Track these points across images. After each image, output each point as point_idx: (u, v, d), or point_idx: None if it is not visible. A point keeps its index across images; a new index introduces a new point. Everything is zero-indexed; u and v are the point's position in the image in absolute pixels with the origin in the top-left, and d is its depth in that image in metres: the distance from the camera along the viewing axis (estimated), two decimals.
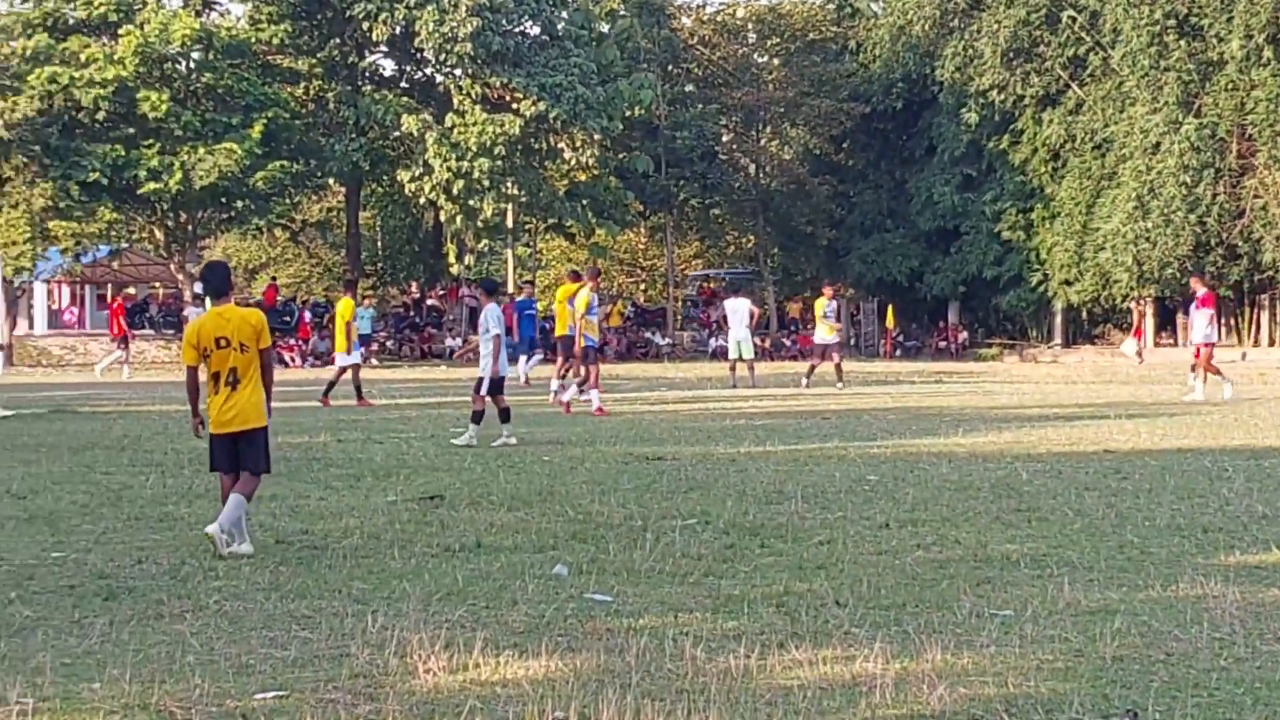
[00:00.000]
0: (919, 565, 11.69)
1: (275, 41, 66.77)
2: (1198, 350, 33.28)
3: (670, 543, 12.66)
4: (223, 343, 12.54)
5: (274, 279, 77.28)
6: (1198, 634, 9.29)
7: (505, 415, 22.52)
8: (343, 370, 32.84)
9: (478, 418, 22.45)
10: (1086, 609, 10.09)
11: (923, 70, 75.43)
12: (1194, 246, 63.53)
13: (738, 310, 40.95)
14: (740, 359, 40.51)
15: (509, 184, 65.77)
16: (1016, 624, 9.60)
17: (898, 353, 75.36)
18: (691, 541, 12.74)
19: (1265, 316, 67.64)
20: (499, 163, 63.66)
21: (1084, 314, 73.15)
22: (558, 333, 35.46)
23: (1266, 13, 61.02)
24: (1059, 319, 74.30)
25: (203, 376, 12.98)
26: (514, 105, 64.78)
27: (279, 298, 73.94)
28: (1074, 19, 69.26)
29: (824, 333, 40.58)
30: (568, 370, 33.78)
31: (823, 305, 40.85)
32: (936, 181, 74.47)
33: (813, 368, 40.86)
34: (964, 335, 77.80)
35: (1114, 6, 66.52)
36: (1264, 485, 16.60)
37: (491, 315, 22.82)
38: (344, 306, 32.92)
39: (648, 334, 75.93)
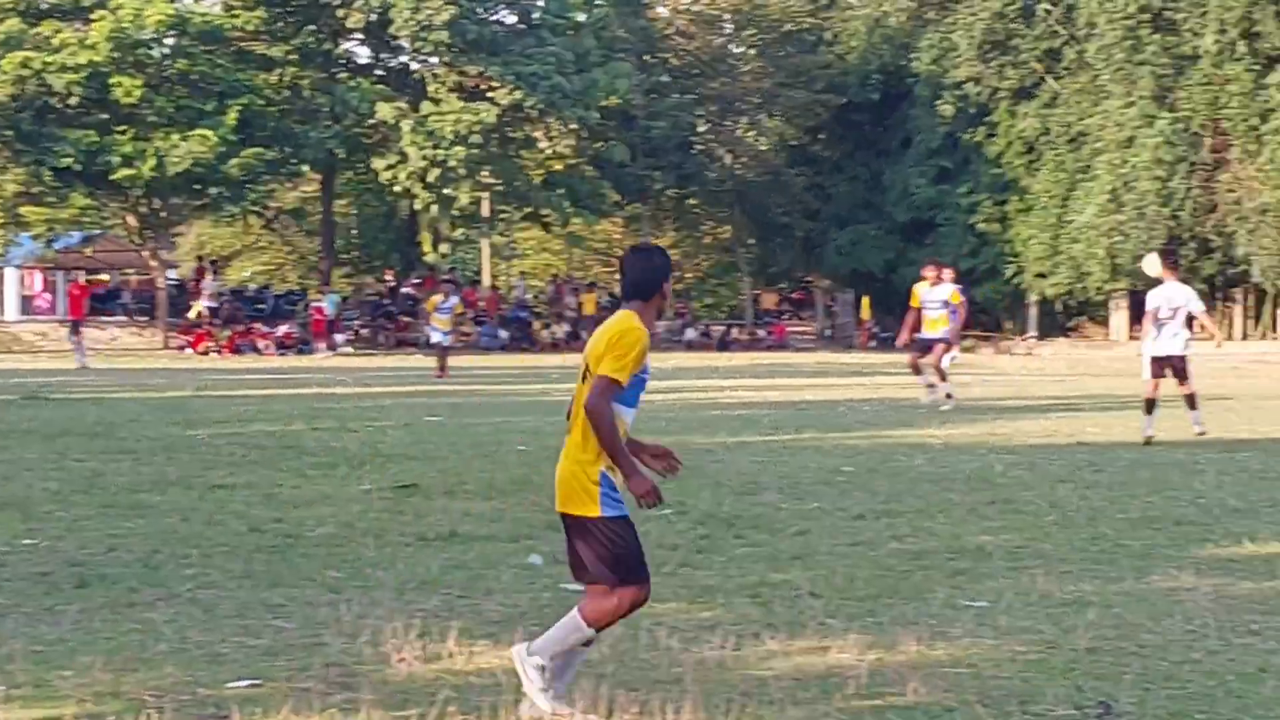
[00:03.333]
0: (894, 557, 11.72)
1: (249, 28, 66.41)
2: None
3: (645, 533, 12.56)
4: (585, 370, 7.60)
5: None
6: (1170, 626, 9.33)
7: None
8: None
9: None
10: (1060, 601, 10.13)
11: (898, 62, 75.50)
12: (1166, 240, 63.65)
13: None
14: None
15: (485, 173, 65.71)
16: (991, 615, 9.63)
17: (873, 344, 75.33)
18: (667, 532, 12.74)
19: (1238, 310, 67.83)
20: (475, 151, 63.57)
21: (1058, 306, 73.19)
22: None
23: (1240, 7, 61.24)
24: (1033, 311, 74.35)
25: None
26: (490, 94, 64.67)
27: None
28: (1049, 12, 69.40)
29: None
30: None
31: None
32: (912, 173, 74.45)
33: None
34: None
35: (1089, 0, 66.70)
36: (1236, 479, 16.68)
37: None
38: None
39: None
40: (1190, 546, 12.26)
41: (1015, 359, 61.23)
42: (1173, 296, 21.22)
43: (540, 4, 68.74)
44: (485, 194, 67.62)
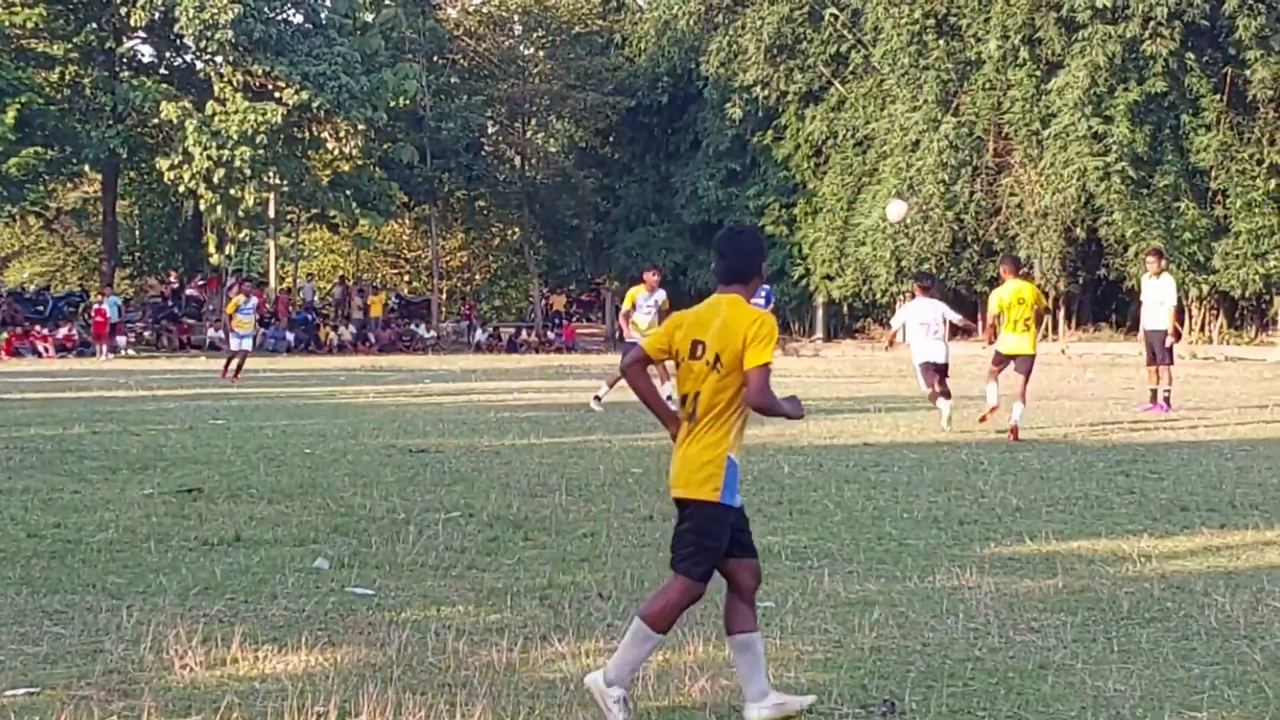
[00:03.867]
0: None
1: (29, 25, 65.13)
2: None
3: (433, 536, 12.59)
4: (698, 350, 7.88)
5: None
6: (953, 625, 9.44)
7: None
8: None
9: None
10: (846, 600, 10.21)
11: (688, 65, 75.89)
12: (951, 243, 64.72)
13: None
14: None
15: (271, 173, 65.07)
16: (777, 615, 9.68)
17: None
18: (455, 534, 12.68)
19: None
20: (261, 152, 62.90)
21: (845, 308, 73.99)
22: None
23: (1022, 14, 62.35)
24: (820, 313, 75.12)
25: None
26: (276, 94, 64.06)
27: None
28: (836, 17, 70.17)
29: None
30: None
31: None
32: (701, 176, 74.85)
33: None
34: None
35: (875, 5, 67.54)
36: (1018, 478, 16.94)
37: None
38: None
39: (413, 326, 75.62)
40: (973, 545, 12.43)
41: (802, 360, 61.77)
42: (926, 310, 24.20)
43: (328, 4, 68.27)
44: (271, 195, 66.99)
